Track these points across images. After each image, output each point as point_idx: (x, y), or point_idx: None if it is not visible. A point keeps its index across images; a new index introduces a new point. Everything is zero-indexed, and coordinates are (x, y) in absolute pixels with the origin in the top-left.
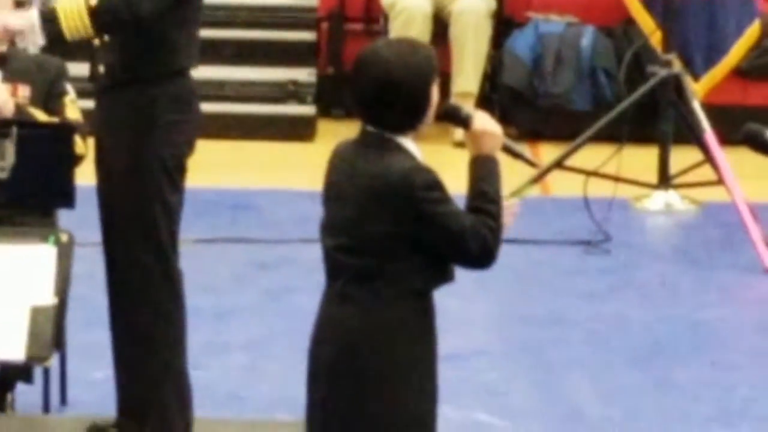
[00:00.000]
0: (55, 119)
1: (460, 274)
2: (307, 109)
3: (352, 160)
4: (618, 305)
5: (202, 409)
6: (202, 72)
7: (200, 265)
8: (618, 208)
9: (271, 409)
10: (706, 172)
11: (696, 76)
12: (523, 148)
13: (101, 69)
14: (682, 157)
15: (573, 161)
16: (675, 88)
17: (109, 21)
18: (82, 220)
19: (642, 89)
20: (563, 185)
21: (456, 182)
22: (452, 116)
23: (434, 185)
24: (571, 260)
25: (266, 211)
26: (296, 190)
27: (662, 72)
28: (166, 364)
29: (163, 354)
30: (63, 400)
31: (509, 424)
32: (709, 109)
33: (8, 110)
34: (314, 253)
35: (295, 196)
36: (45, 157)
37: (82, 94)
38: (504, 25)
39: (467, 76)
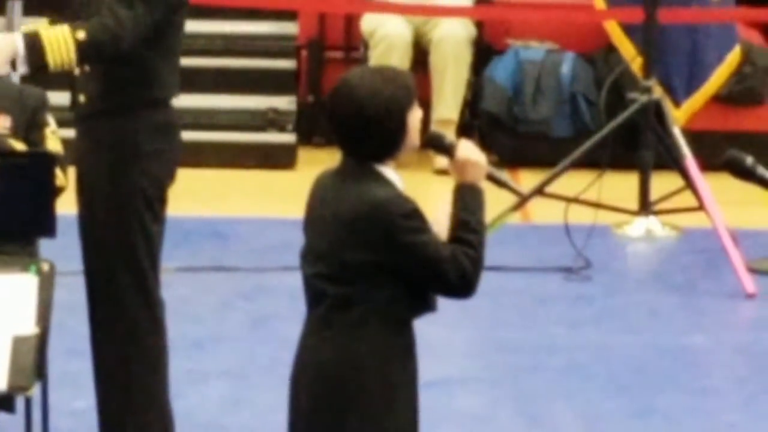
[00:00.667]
0: (35, 149)
1: (442, 301)
2: (288, 137)
3: (332, 188)
4: (599, 332)
5: None
6: (181, 100)
7: (181, 294)
8: (599, 234)
9: None
10: (686, 199)
11: (676, 103)
12: (507, 177)
13: (81, 98)
14: (662, 183)
15: (553, 188)
16: (655, 114)
17: (94, 55)
18: (64, 248)
19: (622, 115)
20: (544, 212)
21: (437, 210)
22: (436, 145)
23: (412, 214)
24: (552, 287)
25: (247, 239)
26: (277, 218)
27: (643, 98)
28: (148, 393)
29: (145, 383)
30: (45, 429)
31: None
32: (690, 135)
33: None
34: (295, 281)
35: (276, 224)
36: (26, 186)
37: (62, 123)
38: (484, 52)
39: (447, 103)
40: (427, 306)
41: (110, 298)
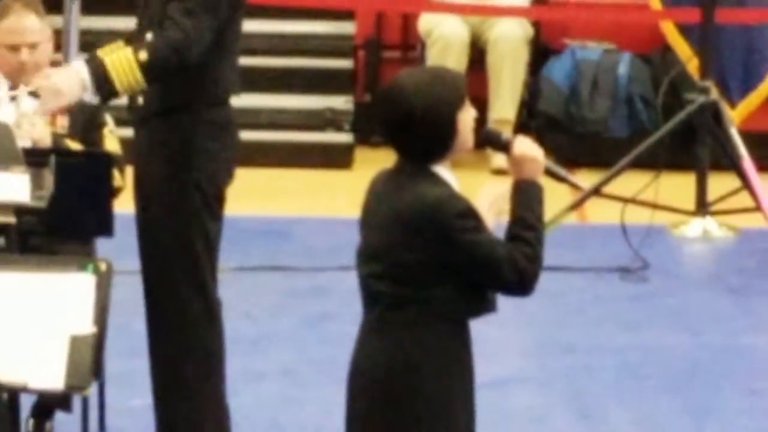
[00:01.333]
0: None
1: (498, 301)
2: (345, 137)
3: (387, 188)
4: (655, 332)
5: None
6: (239, 100)
7: (238, 293)
8: (655, 235)
9: None
10: (743, 199)
11: (733, 103)
12: (567, 171)
13: (140, 100)
14: (719, 183)
15: (610, 188)
16: (712, 114)
17: (161, 73)
18: (121, 247)
19: (679, 116)
20: (601, 212)
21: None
22: (492, 142)
23: (467, 213)
24: (609, 287)
25: (304, 239)
26: (334, 218)
27: (699, 99)
28: (204, 391)
29: (201, 382)
30: (102, 428)
31: None
32: (746, 135)
33: (46, 142)
34: (352, 281)
35: (333, 224)
36: (83, 186)
37: (120, 122)
38: (541, 52)
39: (504, 103)
40: (486, 306)
41: (168, 297)
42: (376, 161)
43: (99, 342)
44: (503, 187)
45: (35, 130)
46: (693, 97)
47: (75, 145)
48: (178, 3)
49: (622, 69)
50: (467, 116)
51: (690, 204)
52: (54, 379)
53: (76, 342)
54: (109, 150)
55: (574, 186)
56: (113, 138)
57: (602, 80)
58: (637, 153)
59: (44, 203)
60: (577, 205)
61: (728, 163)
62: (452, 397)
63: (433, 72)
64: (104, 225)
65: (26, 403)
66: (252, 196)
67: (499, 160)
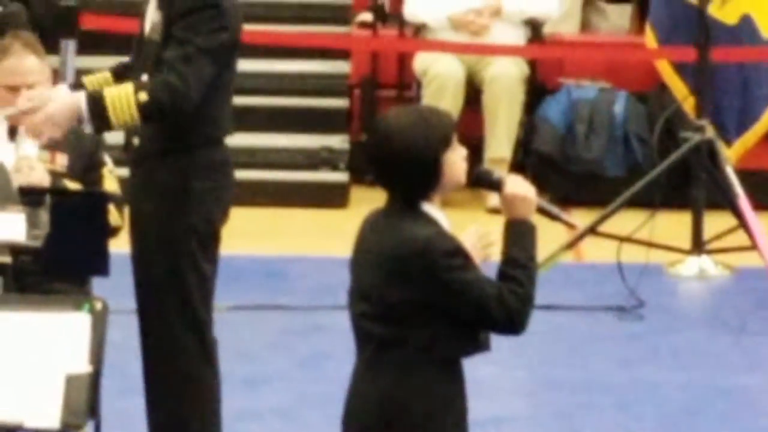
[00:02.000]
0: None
1: (493, 339)
2: (340, 176)
3: (376, 227)
4: (651, 371)
5: None
6: (235, 139)
7: (233, 332)
8: (651, 273)
9: None
10: (739, 238)
11: (729, 142)
12: (560, 210)
13: (136, 140)
14: (715, 222)
15: (606, 227)
16: (708, 153)
17: (157, 115)
18: (117, 287)
19: (675, 155)
20: (597, 251)
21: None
22: (483, 181)
23: (455, 252)
24: (605, 326)
25: (300, 278)
26: (329, 257)
27: (695, 137)
28: (200, 431)
29: (197, 421)
30: None
31: None
32: (742, 174)
33: (45, 183)
34: (347, 320)
35: (328, 263)
36: (78, 225)
37: (118, 162)
38: (537, 90)
39: (500, 141)
40: (478, 345)
41: (163, 336)
42: (371, 200)
43: (95, 381)
44: (484, 228)
45: (34, 174)
46: (689, 136)
47: (74, 185)
48: (178, 48)
49: (618, 108)
50: (455, 156)
51: (686, 242)
52: (50, 418)
53: (71, 381)
54: (108, 190)
55: (567, 224)
56: (112, 178)
57: (598, 119)
58: (633, 192)
59: (40, 242)
60: (573, 244)
61: (724, 201)
62: None
63: (419, 112)
64: (100, 264)
65: None
66: (247, 235)
67: (495, 199)
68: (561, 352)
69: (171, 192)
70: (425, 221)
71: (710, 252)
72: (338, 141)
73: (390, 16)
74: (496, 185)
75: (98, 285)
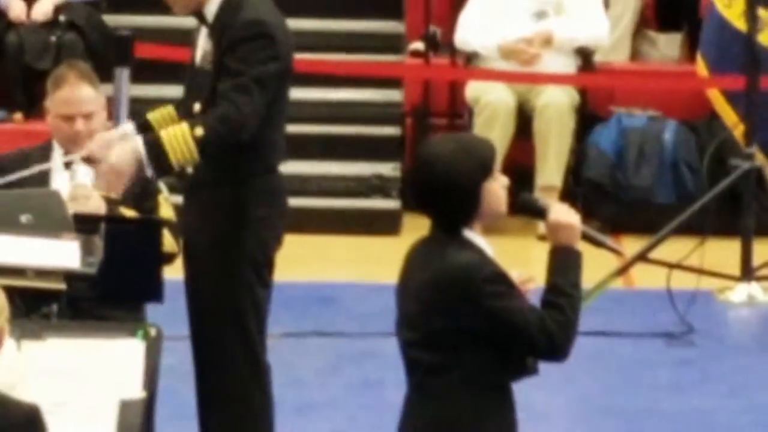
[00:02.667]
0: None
1: (544, 365)
2: (392, 204)
3: (420, 255)
4: (701, 397)
5: None
6: (287, 167)
7: (285, 359)
8: (701, 300)
9: None
10: None
11: None
12: (606, 237)
13: (189, 169)
14: (764, 249)
15: (656, 254)
16: (757, 180)
17: (215, 149)
18: (171, 313)
19: (724, 182)
20: (647, 278)
21: (541, 276)
22: (527, 208)
23: (496, 278)
24: (655, 352)
25: (352, 304)
26: (381, 284)
27: (745, 165)
28: None
29: None
30: None
31: None
32: None
33: (101, 211)
34: (397, 347)
35: (381, 290)
36: (133, 252)
37: (173, 189)
38: (587, 119)
39: (551, 169)
40: (524, 370)
41: (217, 363)
42: (423, 228)
43: (148, 407)
44: (527, 274)
45: (90, 203)
46: (738, 163)
47: (129, 212)
48: (232, 80)
49: (668, 136)
50: (495, 185)
51: (735, 269)
52: None
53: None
54: (164, 217)
55: (613, 251)
56: (168, 205)
57: (648, 147)
58: (683, 219)
59: (94, 270)
60: (623, 271)
61: None
62: None
63: (460, 141)
64: (154, 291)
65: None
66: (300, 262)
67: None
68: (611, 378)
69: (226, 220)
70: (468, 248)
71: (759, 279)
72: (390, 169)
73: (442, 45)
74: (540, 213)
75: (152, 311)
